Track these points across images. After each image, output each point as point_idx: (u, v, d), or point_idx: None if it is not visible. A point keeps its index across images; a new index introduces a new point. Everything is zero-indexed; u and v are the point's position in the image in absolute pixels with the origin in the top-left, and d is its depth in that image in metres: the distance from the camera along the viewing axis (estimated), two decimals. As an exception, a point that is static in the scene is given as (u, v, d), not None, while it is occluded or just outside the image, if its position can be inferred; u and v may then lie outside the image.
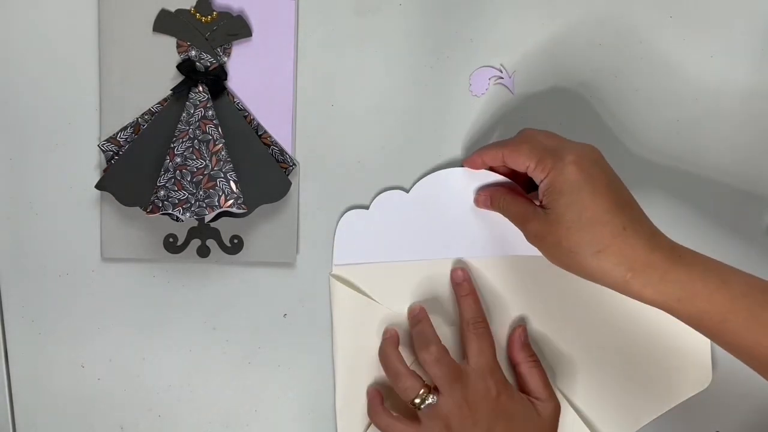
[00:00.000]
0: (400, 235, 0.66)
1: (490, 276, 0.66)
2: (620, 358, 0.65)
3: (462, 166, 0.65)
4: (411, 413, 0.63)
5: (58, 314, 0.70)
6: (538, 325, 0.66)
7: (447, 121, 0.68)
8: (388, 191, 0.66)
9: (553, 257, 0.56)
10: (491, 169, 0.64)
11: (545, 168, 0.55)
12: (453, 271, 0.66)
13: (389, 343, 0.65)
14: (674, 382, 0.65)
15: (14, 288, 0.69)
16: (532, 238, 0.57)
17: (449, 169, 0.66)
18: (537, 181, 0.56)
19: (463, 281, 0.65)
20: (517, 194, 0.61)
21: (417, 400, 0.61)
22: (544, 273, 0.64)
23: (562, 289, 0.66)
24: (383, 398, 0.66)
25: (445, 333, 0.66)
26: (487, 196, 0.63)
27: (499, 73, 0.68)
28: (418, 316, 0.65)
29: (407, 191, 0.66)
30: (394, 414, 0.64)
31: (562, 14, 0.67)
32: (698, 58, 0.68)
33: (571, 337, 0.66)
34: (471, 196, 0.65)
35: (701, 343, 0.64)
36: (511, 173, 0.63)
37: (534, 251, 0.58)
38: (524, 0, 0.67)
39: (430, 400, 0.61)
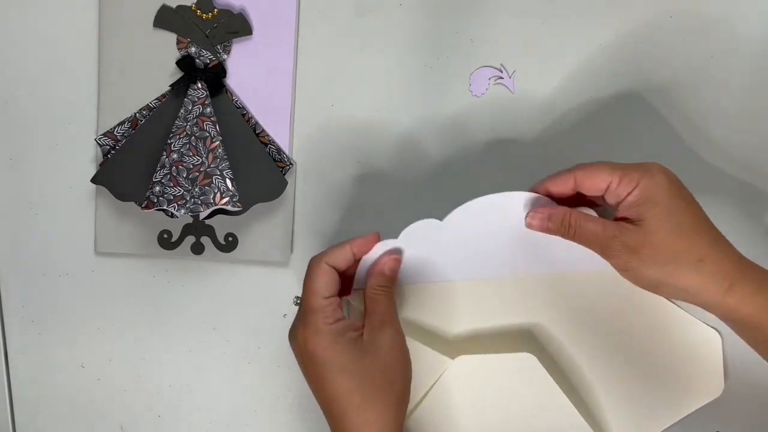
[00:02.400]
0: (431, 260, 0.59)
1: (530, 294, 0.60)
2: (635, 367, 0.61)
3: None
4: None
5: (58, 314, 0.70)
6: (556, 333, 0.61)
7: (447, 121, 0.67)
8: (420, 222, 0.57)
9: (647, 271, 0.51)
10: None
11: (632, 180, 0.51)
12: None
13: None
14: (687, 391, 0.62)
15: (14, 288, 0.70)
16: (622, 254, 0.51)
17: (485, 197, 0.57)
18: (619, 196, 0.52)
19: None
20: (584, 212, 0.54)
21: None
22: (570, 289, 0.60)
23: (584, 301, 0.61)
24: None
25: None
26: (544, 217, 0.55)
27: (499, 73, 0.67)
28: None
29: (440, 220, 0.58)
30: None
31: (562, 14, 0.66)
32: (698, 58, 0.67)
33: (589, 345, 0.61)
34: (509, 221, 0.57)
35: (713, 352, 0.61)
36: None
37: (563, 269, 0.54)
38: (524, 0, 0.66)
39: None
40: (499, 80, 0.66)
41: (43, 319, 0.69)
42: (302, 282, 0.63)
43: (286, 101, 0.66)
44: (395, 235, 0.56)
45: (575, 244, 0.53)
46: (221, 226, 0.66)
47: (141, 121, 0.65)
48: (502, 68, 0.66)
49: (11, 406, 0.70)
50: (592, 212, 0.55)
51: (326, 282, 0.52)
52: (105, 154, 0.65)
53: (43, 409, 0.70)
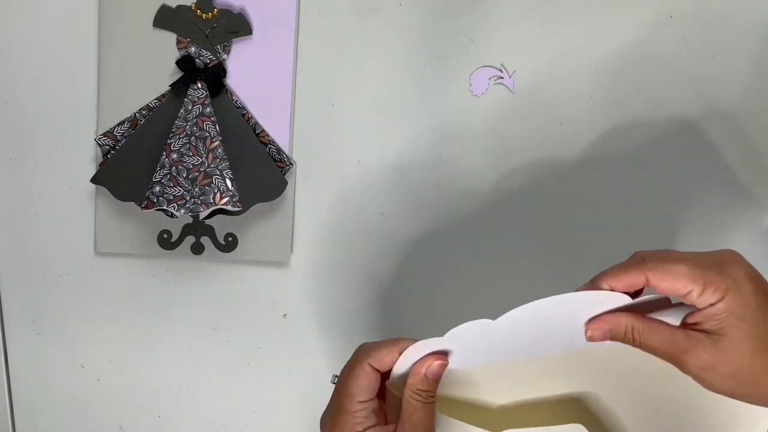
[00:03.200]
0: (478, 350, 0.53)
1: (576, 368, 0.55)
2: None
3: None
4: None
5: (57, 314, 0.70)
6: (608, 404, 0.58)
7: (447, 121, 0.67)
8: (471, 323, 0.51)
9: (721, 386, 0.47)
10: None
11: (717, 291, 0.45)
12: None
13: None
14: None
15: (14, 288, 0.69)
16: (694, 369, 0.47)
17: (536, 303, 0.51)
18: (699, 304, 0.47)
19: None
20: (650, 320, 0.49)
21: None
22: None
23: (640, 374, 0.56)
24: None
25: None
26: (606, 331, 0.50)
27: (499, 73, 0.66)
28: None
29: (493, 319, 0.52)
30: None
31: (562, 14, 0.66)
32: (698, 58, 0.66)
33: (640, 419, 0.58)
34: (566, 326, 0.52)
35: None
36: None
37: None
38: (524, 0, 0.66)
39: None
40: (499, 80, 0.66)
41: (43, 319, 0.69)
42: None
43: (286, 101, 0.66)
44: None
45: None
46: (221, 226, 0.66)
47: (141, 121, 0.65)
48: (502, 68, 0.66)
49: (11, 406, 0.70)
50: (662, 318, 0.49)
51: (365, 386, 0.48)
52: (105, 154, 0.65)
53: (43, 409, 0.70)
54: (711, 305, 0.45)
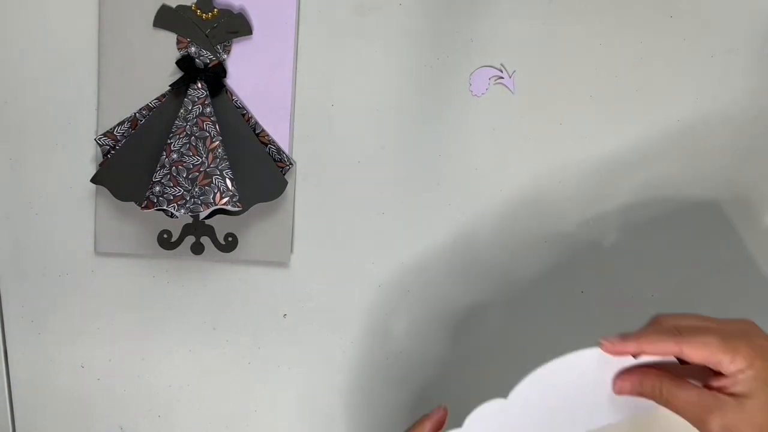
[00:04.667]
0: None
1: None
2: None
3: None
4: None
5: (58, 314, 0.69)
6: None
7: (447, 121, 0.67)
8: (484, 406, 0.52)
9: None
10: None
11: (745, 359, 0.49)
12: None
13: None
14: None
15: (14, 288, 0.69)
16: (719, 428, 0.50)
17: (552, 363, 0.52)
18: (727, 371, 0.50)
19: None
20: (678, 378, 0.52)
21: None
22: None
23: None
24: None
25: None
26: (636, 383, 0.53)
27: (499, 73, 0.66)
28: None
29: (505, 398, 0.53)
30: None
31: (562, 14, 0.66)
32: (698, 58, 0.66)
33: None
34: (585, 380, 0.53)
35: None
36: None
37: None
38: (524, 0, 0.66)
39: None
40: (499, 80, 0.66)
41: (43, 319, 0.69)
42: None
43: (286, 101, 0.65)
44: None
45: None
46: (221, 226, 0.66)
47: (141, 121, 0.64)
48: (502, 68, 0.66)
49: (11, 406, 0.70)
50: (688, 381, 0.52)
51: None
52: (105, 154, 0.65)
53: (43, 409, 0.70)
54: (740, 371, 0.48)
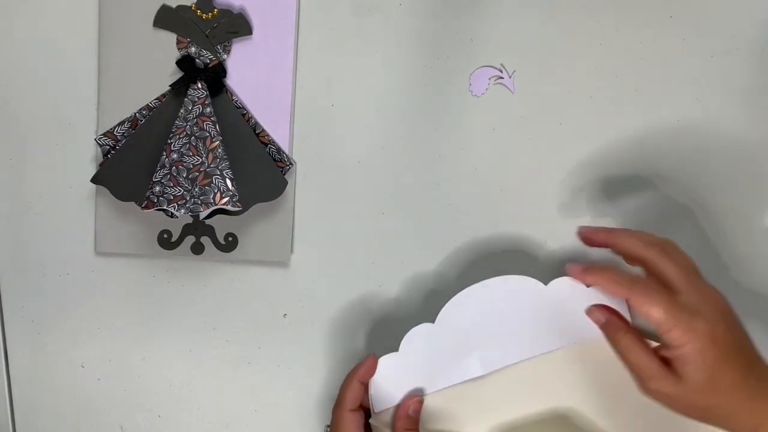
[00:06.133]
0: (432, 367, 0.58)
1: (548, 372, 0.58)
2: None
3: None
4: None
5: (57, 314, 0.69)
6: (592, 410, 0.58)
7: (447, 121, 0.66)
8: (415, 328, 0.58)
9: (678, 411, 0.52)
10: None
11: (681, 337, 0.50)
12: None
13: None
14: None
15: (14, 288, 0.69)
16: (654, 394, 0.52)
17: (467, 289, 0.58)
18: (664, 340, 0.51)
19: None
20: (639, 340, 0.54)
21: None
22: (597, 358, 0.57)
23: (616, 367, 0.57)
24: None
25: None
26: (607, 316, 0.55)
27: (499, 73, 0.66)
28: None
29: (432, 322, 0.59)
30: None
31: (562, 14, 0.66)
32: (698, 58, 0.66)
33: (624, 414, 0.58)
34: (513, 304, 0.58)
35: None
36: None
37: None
38: (524, 0, 0.66)
39: None
40: (499, 80, 0.66)
41: (43, 319, 0.69)
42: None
43: (286, 101, 0.65)
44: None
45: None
46: (221, 226, 0.66)
47: (141, 121, 0.64)
48: (502, 68, 0.66)
49: (11, 406, 0.70)
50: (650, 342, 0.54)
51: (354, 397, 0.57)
52: (105, 154, 0.65)
53: (43, 409, 0.70)
54: (675, 347, 0.50)
